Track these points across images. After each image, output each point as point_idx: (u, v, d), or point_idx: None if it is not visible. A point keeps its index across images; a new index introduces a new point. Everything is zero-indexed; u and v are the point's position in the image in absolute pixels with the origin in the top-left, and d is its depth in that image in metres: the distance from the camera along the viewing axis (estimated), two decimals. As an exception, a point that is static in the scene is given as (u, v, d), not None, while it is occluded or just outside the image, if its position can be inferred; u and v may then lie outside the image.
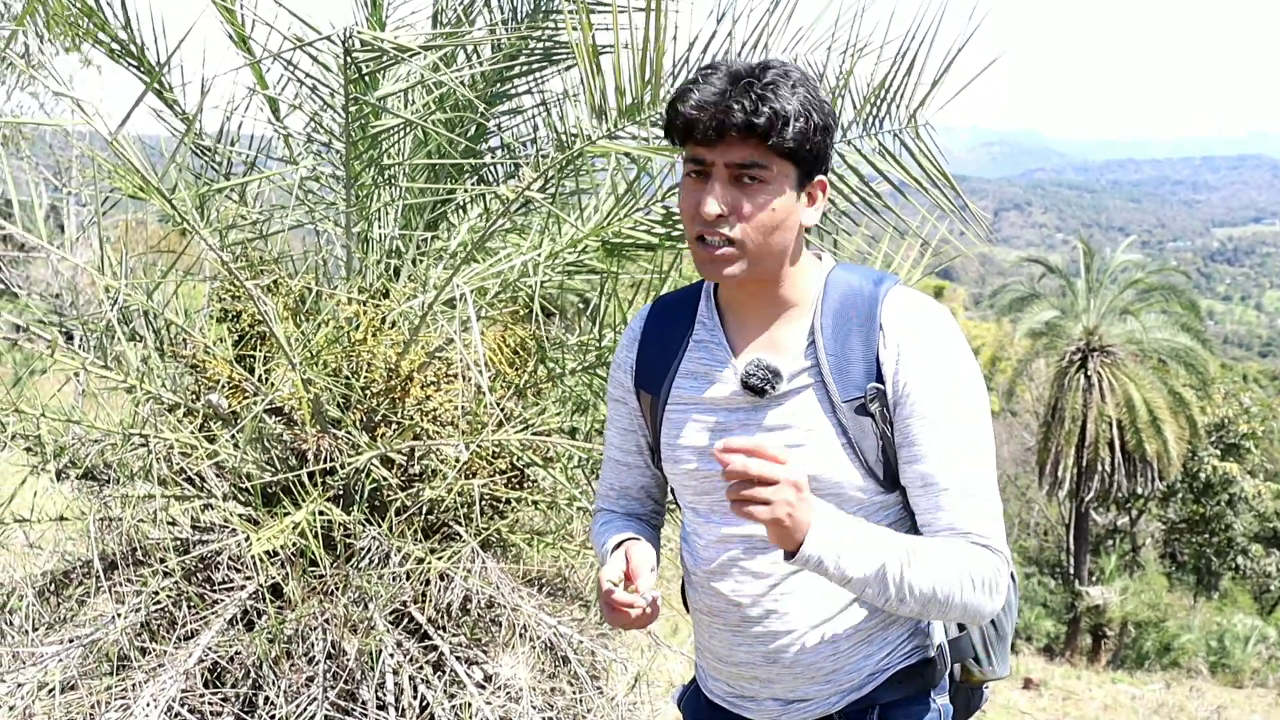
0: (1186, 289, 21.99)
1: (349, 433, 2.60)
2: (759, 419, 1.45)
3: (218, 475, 2.72)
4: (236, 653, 2.46)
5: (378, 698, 2.49)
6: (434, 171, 3.10)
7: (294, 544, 2.47)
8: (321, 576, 2.53)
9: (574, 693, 2.68)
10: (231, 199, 3.05)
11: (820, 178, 1.41)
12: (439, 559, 2.55)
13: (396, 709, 2.50)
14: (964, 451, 1.38)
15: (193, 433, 2.65)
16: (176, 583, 2.55)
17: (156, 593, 2.53)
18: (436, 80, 2.78)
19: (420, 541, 2.63)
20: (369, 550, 2.56)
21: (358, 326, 2.65)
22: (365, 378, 2.64)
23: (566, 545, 2.94)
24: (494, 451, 2.78)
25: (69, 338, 2.89)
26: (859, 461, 1.41)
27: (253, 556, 2.46)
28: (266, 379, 2.70)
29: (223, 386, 2.69)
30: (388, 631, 2.51)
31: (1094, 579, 20.57)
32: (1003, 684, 12.00)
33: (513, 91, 3.19)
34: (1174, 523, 23.32)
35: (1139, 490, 19.96)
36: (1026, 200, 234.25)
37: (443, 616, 2.67)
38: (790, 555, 1.29)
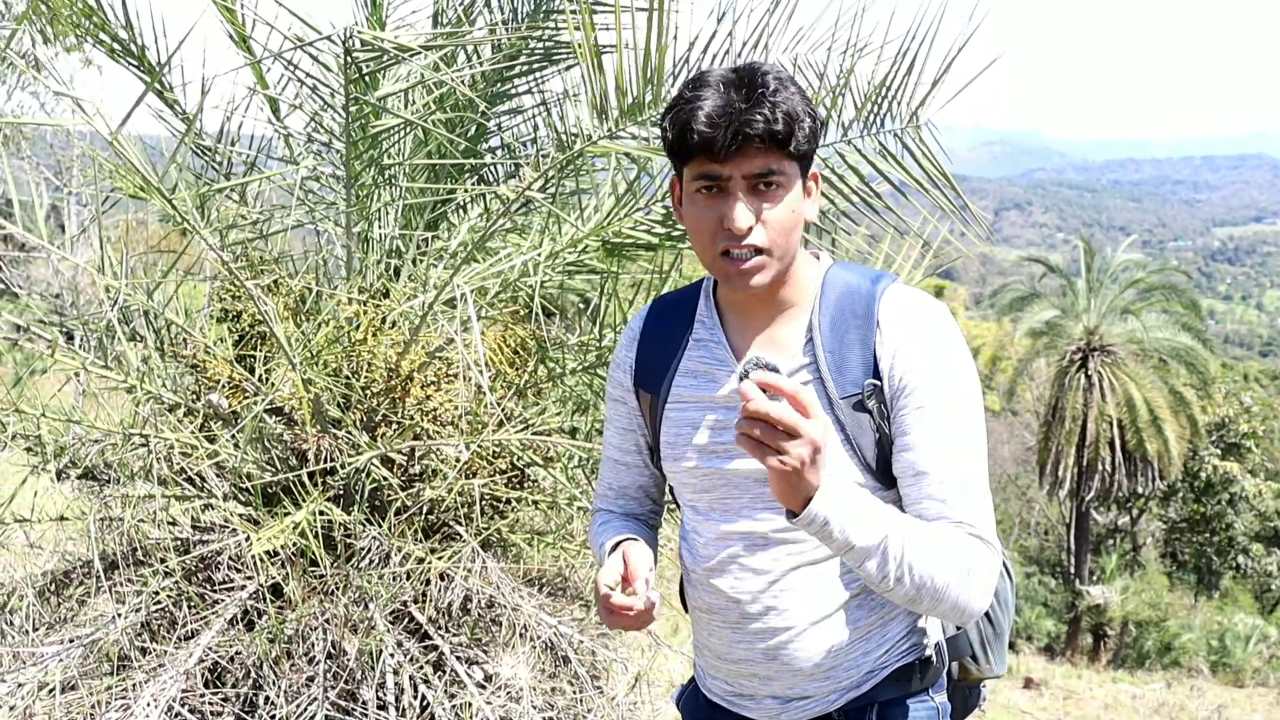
0: (1187, 288, 21.98)
1: (349, 433, 2.60)
2: None
3: (218, 475, 2.72)
4: (237, 653, 2.46)
5: (378, 697, 2.49)
6: (434, 171, 3.10)
7: (294, 544, 2.47)
8: (322, 576, 2.53)
9: (574, 692, 2.68)
10: (232, 199, 3.05)
11: (813, 170, 1.42)
12: (439, 559, 2.55)
13: (397, 709, 2.50)
14: (957, 443, 1.38)
15: (193, 433, 2.65)
16: (177, 583, 2.55)
17: (157, 593, 2.53)
18: (437, 80, 2.78)
19: (420, 541, 2.63)
20: (369, 550, 2.56)
21: (358, 326, 2.65)
22: (365, 378, 2.64)
23: (567, 545, 2.94)
24: (494, 451, 2.78)
25: (69, 338, 2.89)
26: (857, 458, 1.41)
27: (253, 556, 2.46)
28: (267, 379, 2.70)
29: (223, 386, 2.69)
30: (388, 631, 2.51)
31: (1095, 578, 20.57)
32: (1003, 683, 12.01)
33: (513, 91, 3.19)
34: (1175, 522, 23.33)
35: (1139, 490, 19.97)
36: (1027, 200, 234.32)
37: (443, 616, 2.67)
38: (793, 515, 1.26)
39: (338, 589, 2.52)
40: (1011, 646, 18.21)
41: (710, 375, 1.50)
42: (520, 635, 2.64)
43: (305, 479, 2.56)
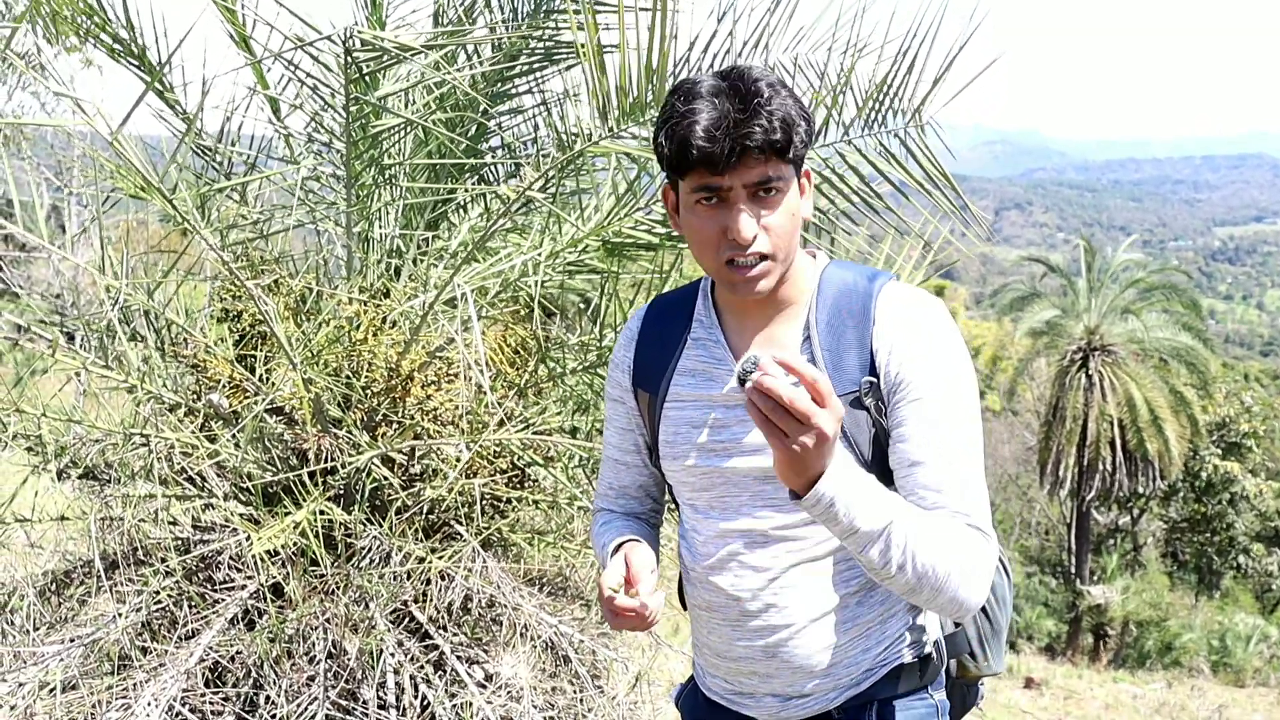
0: (1188, 288, 21.99)
1: (350, 432, 2.61)
2: None
3: (219, 475, 2.73)
4: (238, 652, 2.46)
5: (379, 697, 2.49)
6: (435, 171, 3.10)
7: (295, 543, 2.48)
8: (322, 576, 2.53)
9: (575, 692, 2.68)
10: (232, 199, 3.05)
11: (805, 167, 1.42)
12: (440, 558, 2.55)
13: (397, 708, 2.50)
14: (954, 435, 1.38)
15: (194, 432, 2.65)
16: (177, 582, 2.55)
17: (157, 592, 2.54)
18: (437, 80, 2.78)
19: (421, 541, 2.63)
20: (370, 550, 2.56)
21: (358, 326, 2.65)
22: (366, 377, 2.64)
23: (567, 545, 2.94)
24: (495, 451, 2.78)
25: (70, 338, 2.90)
26: (854, 455, 1.42)
27: (254, 556, 2.46)
28: (267, 379, 2.70)
29: (224, 386, 2.69)
30: (389, 631, 2.52)
31: (1095, 578, 20.57)
32: (1004, 683, 12.00)
33: (513, 91, 3.19)
34: (1175, 522, 23.33)
35: (1140, 489, 19.98)
36: (1027, 200, 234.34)
37: (443, 616, 2.68)
38: (797, 497, 1.24)
39: (338, 588, 2.52)
40: (1012, 646, 18.23)
41: (708, 374, 1.50)
42: (521, 635, 2.64)
43: (306, 478, 2.56)
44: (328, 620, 2.47)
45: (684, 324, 1.56)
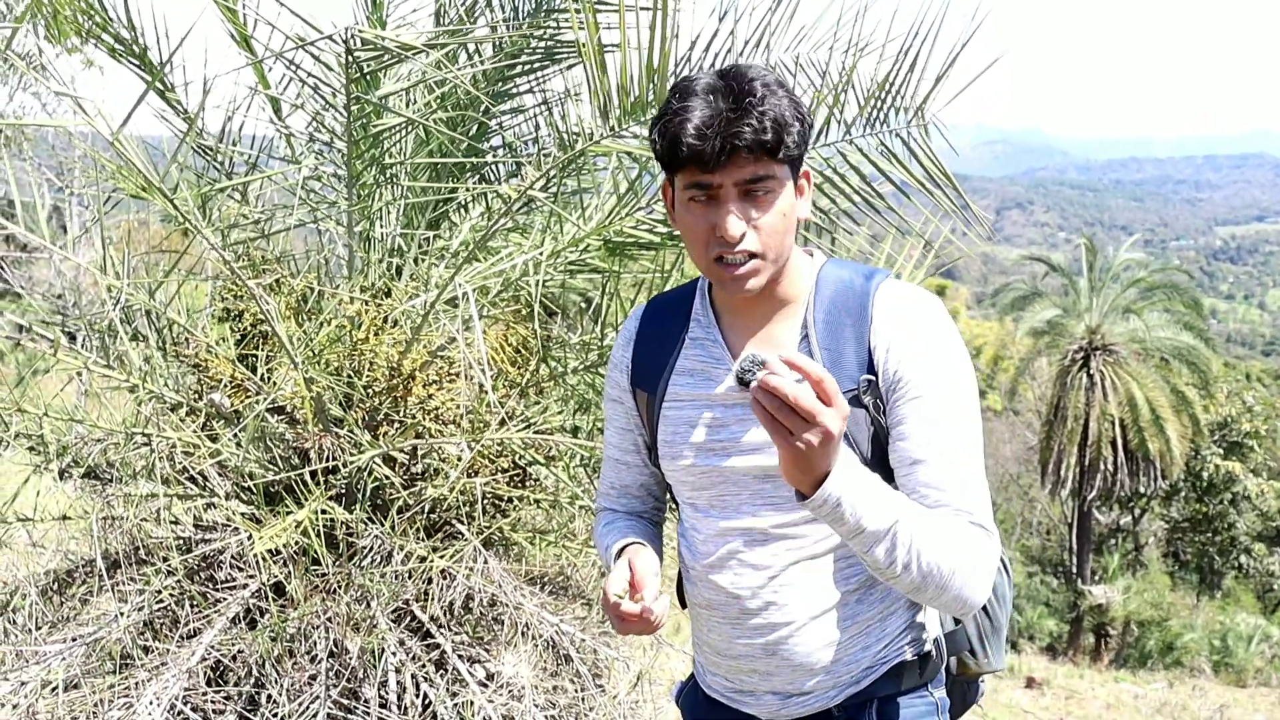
0: (1189, 288, 21.97)
1: (351, 431, 2.61)
2: None
3: (220, 474, 2.73)
4: (239, 651, 2.46)
5: (380, 696, 2.50)
6: (436, 170, 3.10)
7: (296, 542, 2.48)
8: (324, 575, 2.53)
9: (576, 691, 2.68)
10: (233, 199, 3.05)
11: (804, 167, 1.42)
12: (441, 557, 2.55)
13: (399, 707, 2.50)
14: (954, 432, 1.38)
15: (195, 432, 2.65)
16: (179, 581, 2.55)
17: (159, 591, 2.54)
18: (438, 79, 2.78)
19: (422, 540, 2.63)
20: (371, 549, 2.56)
21: (360, 325, 2.65)
22: (367, 376, 2.64)
23: (569, 544, 2.95)
24: (496, 450, 2.78)
25: (72, 338, 2.90)
26: (855, 453, 1.42)
27: (255, 555, 2.46)
28: (269, 378, 2.71)
29: (225, 386, 2.70)
30: (390, 630, 2.52)
31: (1097, 578, 20.56)
32: (1005, 683, 12.00)
33: (514, 90, 3.19)
34: (1177, 522, 23.31)
35: (1141, 489, 19.97)
36: (1029, 199, 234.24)
37: (445, 615, 2.68)
38: (803, 497, 1.24)
39: (340, 587, 2.52)
40: (1013, 646, 18.22)
41: (707, 374, 1.50)
42: (522, 634, 2.64)
43: (307, 478, 2.57)
44: (329, 619, 2.48)
45: (682, 323, 1.56)
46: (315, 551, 2.45)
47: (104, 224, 2.65)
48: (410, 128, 2.87)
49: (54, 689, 2.39)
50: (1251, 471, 22.07)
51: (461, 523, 2.76)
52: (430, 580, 2.60)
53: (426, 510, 2.73)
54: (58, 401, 2.74)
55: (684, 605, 1.64)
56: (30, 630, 2.59)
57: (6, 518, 2.73)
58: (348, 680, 2.49)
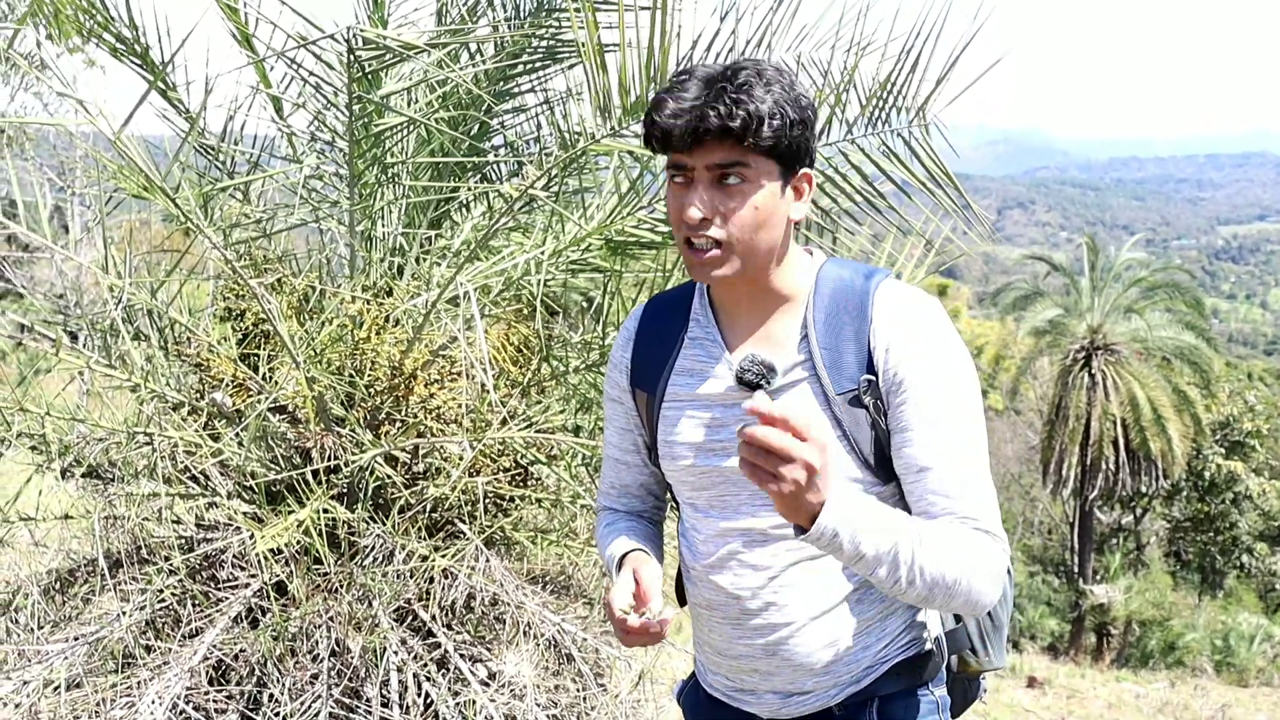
0: (1191, 287, 21.94)
1: (353, 431, 2.61)
2: None
3: (222, 473, 2.73)
4: (241, 650, 2.46)
5: (382, 695, 2.50)
6: (437, 169, 3.11)
7: (298, 542, 2.48)
8: (326, 574, 2.54)
9: (578, 690, 2.68)
10: (235, 198, 3.06)
11: (805, 170, 1.41)
12: (443, 556, 2.55)
13: (400, 706, 2.50)
14: (958, 437, 1.38)
15: (197, 431, 2.65)
16: (181, 580, 2.56)
17: (161, 590, 2.54)
18: (440, 78, 2.78)
19: (424, 539, 2.64)
20: (373, 548, 2.56)
21: (361, 325, 2.65)
22: (369, 376, 2.64)
23: (570, 543, 2.95)
24: (498, 449, 2.78)
25: (73, 337, 2.90)
26: (855, 453, 1.42)
27: (257, 554, 2.47)
28: (270, 377, 2.71)
29: (227, 385, 2.70)
30: (392, 629, 2.52)
31: (1098, 577, 20.54)
32: (1007, 682, 12.00)
33: (516, 90, 3.20)
34: (1178, 521, 23.29)
35: (1143, 489, 19.95)
36: (1030, 198, 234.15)
37: (447, 614, 2.68)
38: (801, 531, 1.24)
39: (341, 587, 2.52)
40: (1015, 646, 18.22)
41: (706, 373, 1.50)
42: (524, 633, 2.64)
43: (309, 477, 2.57)
44: (331, 618, 2.48)
45: (681, 323, 1.55)
46: (317, 551, 2.45)
47: (106, 224, 2.65)
48: (412, 127, 2.87)
49: (56, 688, 2.39)
50: (1253, 471, 22.05)
51: (463, 522, 2.76)
52: (432, 579, 2.60)
53: (428, 509, 2.74)
54: (60, 401, 2.75)
55: (683, 604, 1.65)
56: (33, 629, 2.60)
57: (9, 517, 2.73)
58: (350, 679, 2.49)
